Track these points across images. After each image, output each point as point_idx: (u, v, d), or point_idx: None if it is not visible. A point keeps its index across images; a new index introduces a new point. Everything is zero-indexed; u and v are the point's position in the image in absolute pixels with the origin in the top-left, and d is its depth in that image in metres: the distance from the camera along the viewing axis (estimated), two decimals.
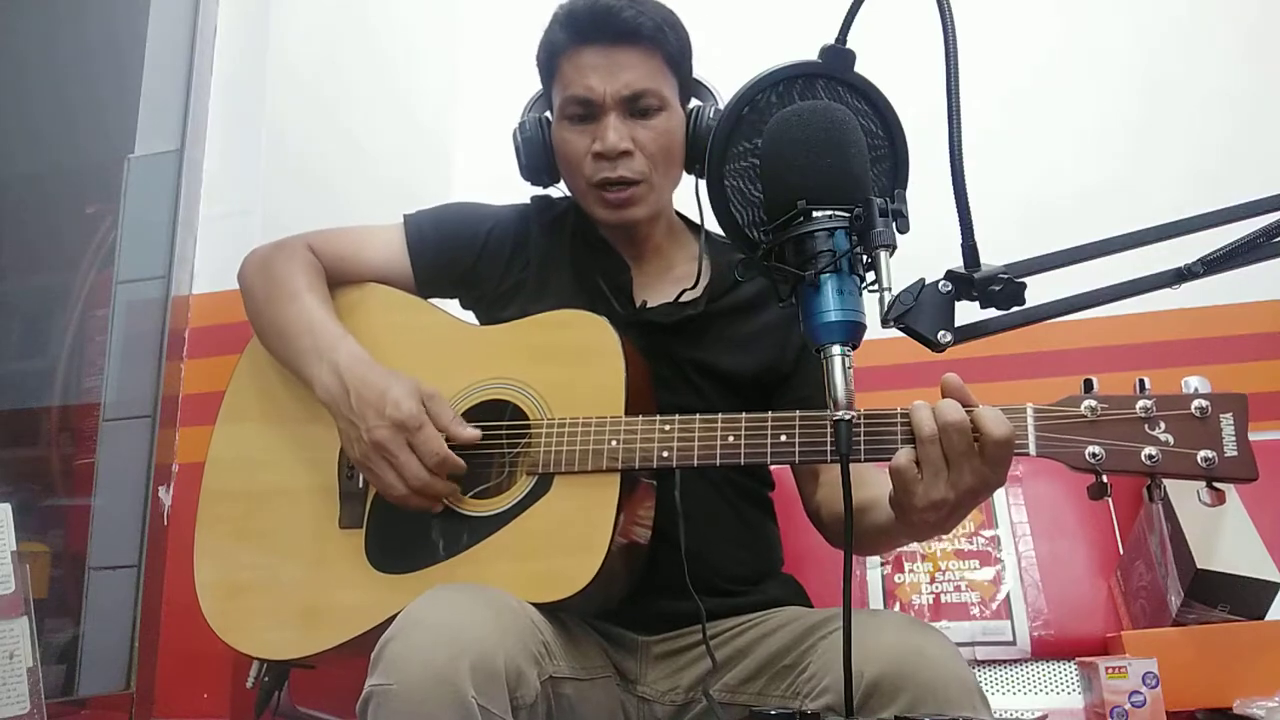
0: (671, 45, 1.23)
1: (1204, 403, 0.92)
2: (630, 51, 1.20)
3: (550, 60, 1.25)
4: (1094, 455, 0.93)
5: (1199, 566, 1.40)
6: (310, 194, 1.93)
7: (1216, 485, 0.92)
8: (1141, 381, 0.95)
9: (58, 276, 1.90)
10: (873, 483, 1.09)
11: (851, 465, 1.19)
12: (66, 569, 1.71)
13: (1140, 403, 0.94)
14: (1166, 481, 1.51)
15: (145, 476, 1.73)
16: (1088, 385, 0.96)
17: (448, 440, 1.11)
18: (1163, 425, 0.93)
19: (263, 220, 1.80)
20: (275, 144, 1.87)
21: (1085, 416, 0.95)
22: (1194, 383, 0.94)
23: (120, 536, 1.71)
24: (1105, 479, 0.94)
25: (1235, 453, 0.91)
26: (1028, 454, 0.95)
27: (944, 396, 0.94)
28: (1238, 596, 1.41)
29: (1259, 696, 1.34)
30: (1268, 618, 1.42)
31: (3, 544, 1.19)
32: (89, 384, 1.82)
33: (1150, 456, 0.92)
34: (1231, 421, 0.92)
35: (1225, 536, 1.47)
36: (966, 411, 0.92)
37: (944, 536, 1.76)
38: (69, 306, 1.87)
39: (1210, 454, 0.91)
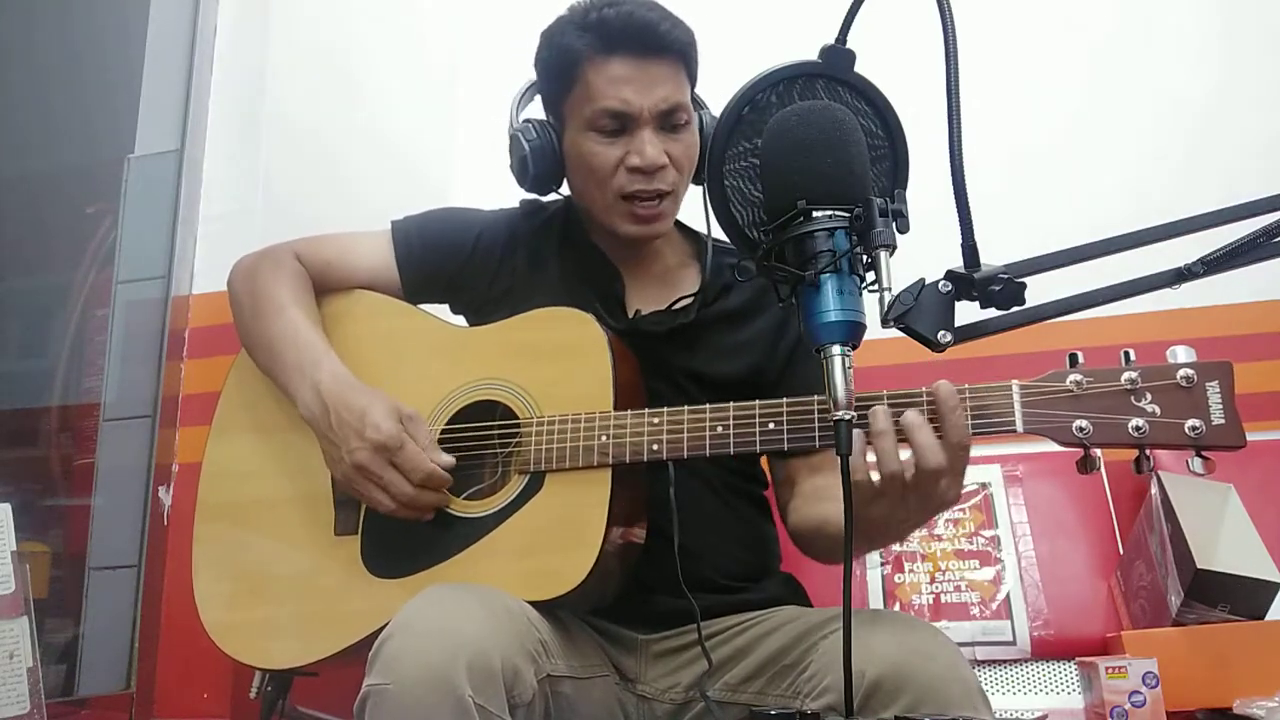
0: (693, 60, 1.23)
1: (1189, 372, 0.92)
2: (662, 64, 1.19)
3: (570, 67, 1.21)
4: (1081, 429, 0.93)
5: (1199, 566, 1.40)
6: (311, 193, 1.93)
7: (1206, 454, 0.91)
8: (1127, 353, 0.94)
9: (58, 276, 1.90)
10: (836, 496, 1.09)
11: (819, 478, 1.22)
12: (66, 569, 1.71)
13: (1125, 374, 0.93)
14: (1165, 481, 1.54)
15: (145, 476, 1.73)
16: (1073, 360, 0.96)
17: None
18: (1149, 396, 0.92)
19: (263, 220, 1.81)
20: (275, 143, 1.87)
21: (1071, 391, 0.94)
22: (1180, 352, 0.93)
23: (120, 536, 1.71)
24: (1094, 452, 0.93)
25: (1222, 420, 0.90)
26: (1015, 431, 0.95)
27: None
28: (1238, 596, 1.41)
29: (1259, 696, 1.33)
30: (1268, 618, 1.42)
31: (3, 544, 1.19)
32: (89, 384, 1.82)
33: (1137, 428, 0.92)
34: (1218, 389, 0.91)
35: (1225, 536, 1.47)
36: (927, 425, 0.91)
37: (944, 536, 1.77)
38: (69, 306, 1.87)
39: (1198, 423, 0.90)
